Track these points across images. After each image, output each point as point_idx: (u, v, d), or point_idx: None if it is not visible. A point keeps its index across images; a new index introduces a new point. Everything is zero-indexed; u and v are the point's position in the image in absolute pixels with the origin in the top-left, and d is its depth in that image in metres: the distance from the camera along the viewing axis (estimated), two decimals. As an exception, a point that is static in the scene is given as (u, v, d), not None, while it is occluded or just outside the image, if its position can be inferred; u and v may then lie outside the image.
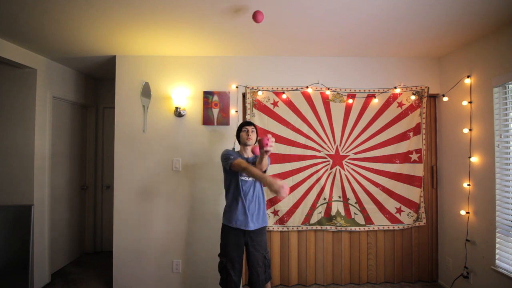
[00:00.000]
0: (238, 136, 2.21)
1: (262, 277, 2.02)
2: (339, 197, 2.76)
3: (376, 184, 2.76)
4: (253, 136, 2.12)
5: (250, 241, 2.04)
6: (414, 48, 2.56)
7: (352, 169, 2.77)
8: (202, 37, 2.34)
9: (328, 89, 2.75)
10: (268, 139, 1.79)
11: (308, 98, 2.76)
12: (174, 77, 2.75)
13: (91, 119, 3.72)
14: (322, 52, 2.67)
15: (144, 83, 2.71)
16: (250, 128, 2.13)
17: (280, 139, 2.74)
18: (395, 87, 2.76)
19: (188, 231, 2.70)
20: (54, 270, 3.06)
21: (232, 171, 2.03)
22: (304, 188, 2.74)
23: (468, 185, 2.42)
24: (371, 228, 2.76)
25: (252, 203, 2.05)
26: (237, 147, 2.37)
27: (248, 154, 2.17)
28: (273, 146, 1.82)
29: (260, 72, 2.76)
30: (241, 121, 2.75)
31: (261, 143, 1.82)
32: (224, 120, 2.71)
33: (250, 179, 2.07)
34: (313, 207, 2.74)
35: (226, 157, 2.03)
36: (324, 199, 2.75)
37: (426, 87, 2.77)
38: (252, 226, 2.02)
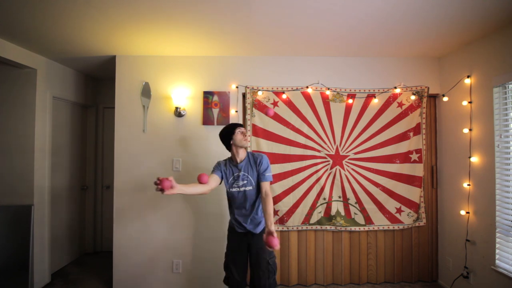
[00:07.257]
0: (229, 139, 1.98)
1: (264, 282, 1.91)
2: (339, 197, 2.76)
3: (376, 184, 2.76)
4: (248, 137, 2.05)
5: (254, 244, 1.98)
6: (414, 48, 2.55)
7: (352, 169, 2.77)
8: (202, 37, 2.34)
9: (328, 89, 2.75)
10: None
11: (308, 98, 2.76)
12: (174, 77, 2.75)
13: (91, 119, 3.72)
14: (322, 52, 2.67)
15: (144, 83, 2.71)
16: (243, 129, 2.02)
17: (280, 139, 2.74)
18: (395, 87, 2.76)
19: (188, 232, 2.70)
20: (54, 270, 3.06)
21: (223, 181, 2.00)
22: (304, 188, 2.74)
23: (468, 185, 2.42)
24: (371, 228, 2.76)
25: (244, 209, 1.99)
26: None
27: (241, 157, 1.99)
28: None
29: (260, 72, 2.76)
30: (241, 121, 2.75)
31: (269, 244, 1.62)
32: (224, 120, 2.71)
33: (241, 189, 1.98)
34: (313, 207, 2.74)
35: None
36: (324, 199, 2.75)
37: (426, 87, 2.77)
38: (251, 228, 1.99)
